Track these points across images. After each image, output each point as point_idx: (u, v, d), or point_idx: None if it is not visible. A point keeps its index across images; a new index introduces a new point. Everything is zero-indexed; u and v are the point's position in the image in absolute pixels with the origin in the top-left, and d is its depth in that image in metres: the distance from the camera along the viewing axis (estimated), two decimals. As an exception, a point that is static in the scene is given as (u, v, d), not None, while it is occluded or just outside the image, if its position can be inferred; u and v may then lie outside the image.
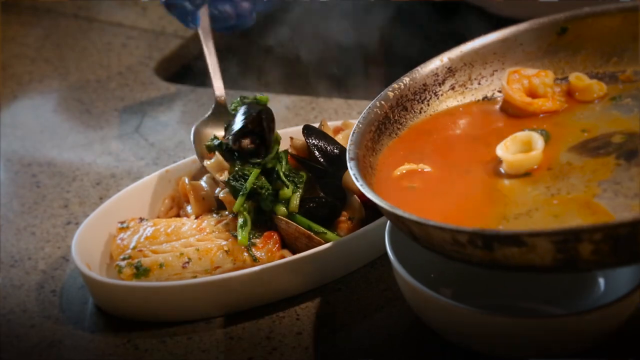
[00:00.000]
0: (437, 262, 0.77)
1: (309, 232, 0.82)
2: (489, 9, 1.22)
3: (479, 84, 0.86)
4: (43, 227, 0.97)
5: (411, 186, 0.73)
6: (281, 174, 0.85)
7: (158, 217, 0.92)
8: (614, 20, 0.82)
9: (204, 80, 1.31)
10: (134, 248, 0.83)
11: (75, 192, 1.03)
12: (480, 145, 0.77)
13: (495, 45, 0.86)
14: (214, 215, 0.87)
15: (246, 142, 0.86)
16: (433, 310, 0.70)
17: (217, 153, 0.89)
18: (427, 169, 0.75)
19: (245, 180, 0.84)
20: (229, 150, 0.88)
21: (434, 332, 0.73)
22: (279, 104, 1.19)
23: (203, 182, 0.91)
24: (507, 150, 0.73)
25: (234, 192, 0.85)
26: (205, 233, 0.84)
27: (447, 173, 0.75)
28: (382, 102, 0.81)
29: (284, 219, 0.83)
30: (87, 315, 0.82)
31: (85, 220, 0.87)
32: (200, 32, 1.03)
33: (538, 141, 0.72)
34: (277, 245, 0.83)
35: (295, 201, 0.84)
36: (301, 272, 0.81)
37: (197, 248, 0.82)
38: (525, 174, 0.71)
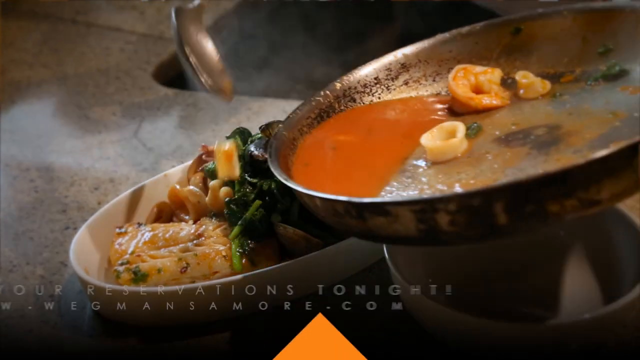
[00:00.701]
0: (435, 267, 0.77)
1: (306, 233, 0.82)
2: (496, 10, 1.22)
3: (434, 80, 0.87)
4: (41, 232, 0.97)
5: (321, 167, 0.76)
6: (276, 193, 0.84)
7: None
8: (565, 22, 0.82)
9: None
10: (132, 253, 0.83)
11: (74, 197, 1.03)
12: (415, 133, 0.77)
13: (451, 44, 0.87)
14: (212, 220, 0.87)
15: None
16: (430, 315, 0.70)
17: (236, 156, 0.84)
18: (347, 149, 0.77)
19: (245, 207, 0.84)
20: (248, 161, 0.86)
21: (432, 336, 0.73)
22: (276, 109, 1.19)
23: (193, 187, 0.91)
24: (432, 139, 0.73)
25: (232, 217, 0.84)
26: (203, 238, 0.84)
27: (367, 158, 0.76)
28: (328, 92, 0.84)
29: (282, 224, 0.83)
30: (86, 320, 0.82)
31: (84, 225, 0.87)
32: None
33: (460, 131, 0.73)
34: (275, 250, 0.83)
35: (294, 211, 0.84)
36: (299, 276, 0.81)
37: (195, 253, 0.82)
38: (445, 162, 0.72)
